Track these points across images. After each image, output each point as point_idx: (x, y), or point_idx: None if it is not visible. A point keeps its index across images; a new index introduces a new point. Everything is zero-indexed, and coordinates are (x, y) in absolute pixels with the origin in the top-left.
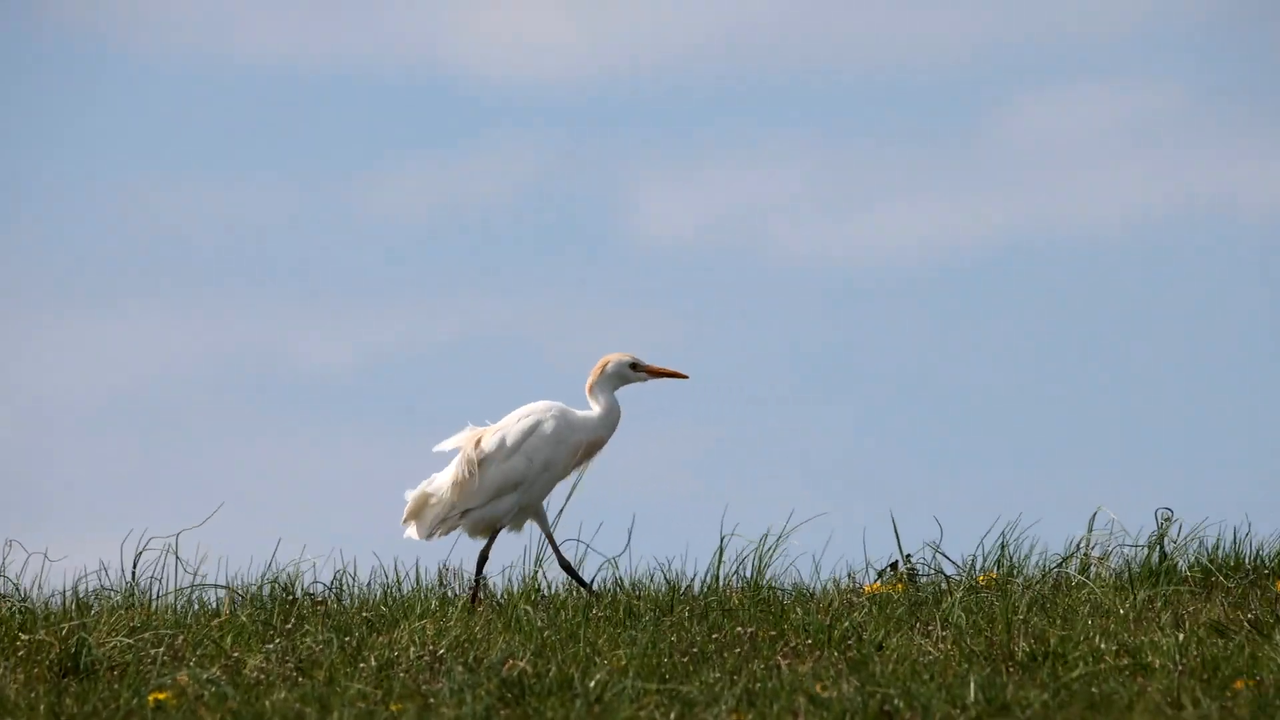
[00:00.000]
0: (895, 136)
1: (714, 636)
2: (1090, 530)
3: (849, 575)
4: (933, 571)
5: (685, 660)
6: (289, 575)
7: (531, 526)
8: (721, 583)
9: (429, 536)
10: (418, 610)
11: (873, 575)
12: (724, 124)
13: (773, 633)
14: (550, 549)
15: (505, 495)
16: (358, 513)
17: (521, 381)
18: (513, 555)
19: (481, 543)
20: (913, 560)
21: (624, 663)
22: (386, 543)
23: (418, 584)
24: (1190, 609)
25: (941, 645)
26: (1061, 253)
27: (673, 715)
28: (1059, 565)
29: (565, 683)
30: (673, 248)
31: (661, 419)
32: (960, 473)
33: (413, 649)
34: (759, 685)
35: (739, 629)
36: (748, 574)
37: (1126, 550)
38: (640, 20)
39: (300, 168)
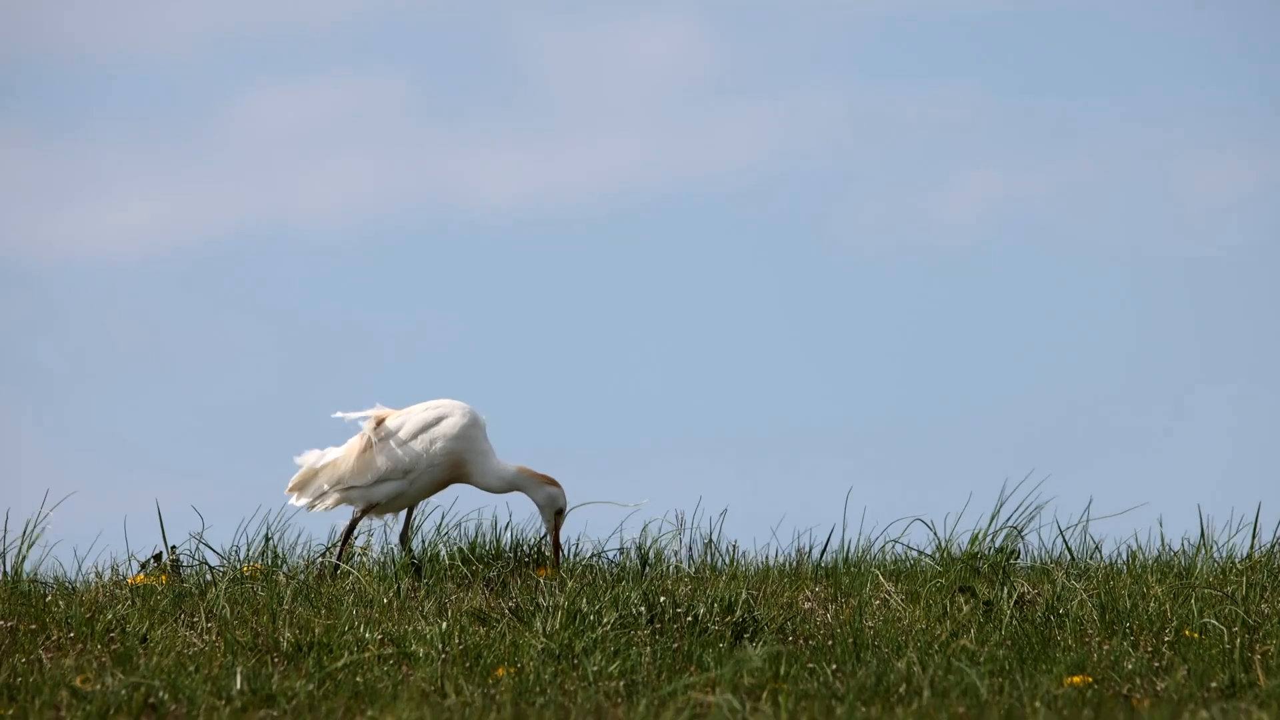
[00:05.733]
0: (126, 124)
1: None
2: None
3: (112, 567)
4: (197, 563)
5: None
6: None
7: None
8: None
9: (310, 508)
10: None
11: (136, 567)
12: None
13: (34, 626)
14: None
15: (391, 480)
16: None
17: None
18: None
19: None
20: (177, 551)
21: None
22: None
23: None
24: (453, 597)
25: (207, 636)
26: (292, 243)
27: None
28: (323, 555)
29: None
30: None
31: None
32: (228, 466)
33: None
34: (20, 680)
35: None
36: (8, 566)
37: (392, 539)
38: None
39: None
